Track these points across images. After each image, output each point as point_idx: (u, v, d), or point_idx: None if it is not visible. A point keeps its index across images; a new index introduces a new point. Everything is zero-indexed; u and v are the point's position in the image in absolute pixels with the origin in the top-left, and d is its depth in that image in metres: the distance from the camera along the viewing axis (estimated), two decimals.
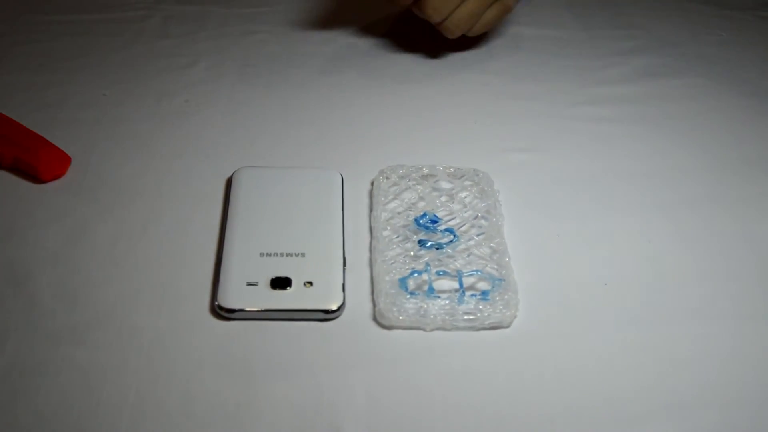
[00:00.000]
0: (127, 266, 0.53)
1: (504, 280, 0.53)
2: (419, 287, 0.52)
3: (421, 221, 0.56)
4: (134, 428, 0.44)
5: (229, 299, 0.50)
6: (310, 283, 0.52)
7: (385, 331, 0.50)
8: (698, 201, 0.62)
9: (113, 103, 0.68)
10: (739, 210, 0.61)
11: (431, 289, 0.52)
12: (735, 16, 0.86)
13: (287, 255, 0.53)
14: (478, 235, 0.56)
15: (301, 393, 0.47)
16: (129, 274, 0.53)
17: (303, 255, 0.53)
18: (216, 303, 0.50)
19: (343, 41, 0.77)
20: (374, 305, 0.51)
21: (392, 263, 0.54)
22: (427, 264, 0.53)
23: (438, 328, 0.50)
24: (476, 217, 0.58)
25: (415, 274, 0.53)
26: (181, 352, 0.48)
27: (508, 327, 0.51)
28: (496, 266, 0.54)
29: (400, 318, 0.50)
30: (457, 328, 0.50)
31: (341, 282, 0.52)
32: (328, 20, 0.80)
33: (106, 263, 0.53)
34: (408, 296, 0.51)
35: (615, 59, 0.78)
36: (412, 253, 0.54)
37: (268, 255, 0.53)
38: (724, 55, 0.80)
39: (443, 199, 0.59)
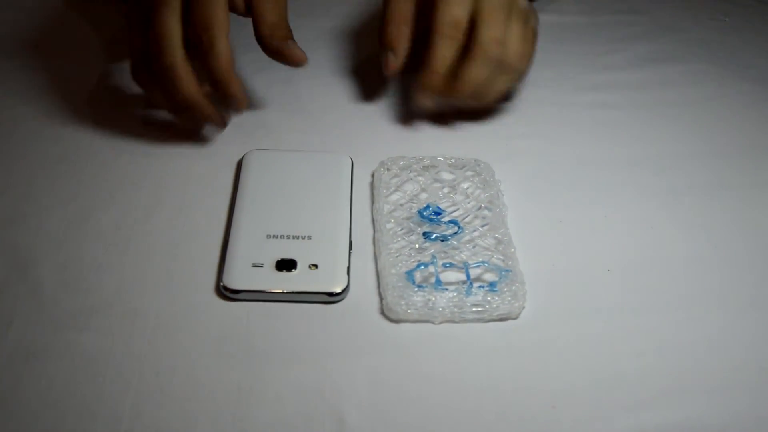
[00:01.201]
0: (132, 248, 0.53)
1: (511, 270, 0.52)
2: (426, 280, 0.52)
3: (424, 213, 0.56)
4: (138, 412, 0.44)
5: (234, 280, 0.50)
6: (315, 266, 0.51)
7: (393, 325, 0.50)
8: (701, 187, 0.62)
9: (120, 85, 0.67)
10: (742, 196, 0.61)
11: (438, 282, 0.51)
12: (738, 2, 0.86)
13: (294, 237, 0.53)
14: (482, 226, 0.56)
15: (305, 377, 0.46)
16: (134, 256, 0.52)
17: (309, 238, 0.53)
18: (221, 284, 0.50)
19: (349, 30, 0.76)
20: (381, 299, 0.51)
21: (397, 256, 0.53)
22: (434, 256, 0.53)
23: (447, 321, 0.50)
24: (479, 208, 0.57)
25: (422, 267, 0.52)
26: (186, 333, 0.48)
27: (516, 318, 0.51)
28: (501, 257, 0.54)
29: (409, 311, 0.49)
30: (466, 320, 0.50)
31: (346, 265, 0.52)
32: (334, 9, 0.79)
33: (111, 246, 0.53)
34: (416, 289, 0.51)
35: (617, 45, 0.77)
36: (417, 246, 0.54)
37: (275, 237, 0.53)
38: (727, 40, 0.79)
39: (445, 190, 0.59)
